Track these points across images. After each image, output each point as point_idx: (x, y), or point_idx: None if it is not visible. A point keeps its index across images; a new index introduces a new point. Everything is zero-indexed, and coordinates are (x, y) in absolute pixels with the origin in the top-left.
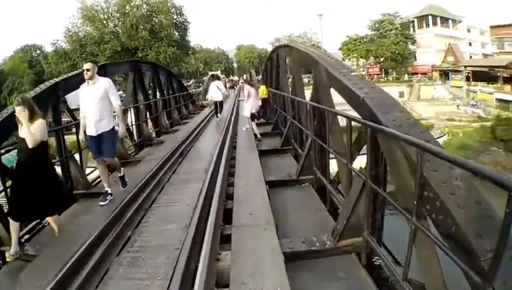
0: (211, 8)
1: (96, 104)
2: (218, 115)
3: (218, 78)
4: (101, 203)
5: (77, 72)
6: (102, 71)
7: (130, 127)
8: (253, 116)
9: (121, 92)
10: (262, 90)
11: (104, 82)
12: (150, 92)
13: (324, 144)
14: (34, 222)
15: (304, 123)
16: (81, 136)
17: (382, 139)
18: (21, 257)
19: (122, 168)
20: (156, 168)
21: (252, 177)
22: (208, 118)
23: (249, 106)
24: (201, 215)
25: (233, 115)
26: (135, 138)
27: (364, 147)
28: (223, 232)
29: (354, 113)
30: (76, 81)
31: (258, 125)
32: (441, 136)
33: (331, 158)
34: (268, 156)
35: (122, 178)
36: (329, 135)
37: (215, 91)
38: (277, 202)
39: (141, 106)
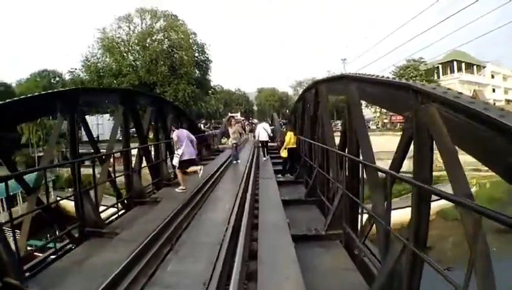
0: (233, 50)
1: None
2: (265, 157)
3: (266, 121)
4: None
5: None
6: (70, 98)
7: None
8: (182, 165)
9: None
10: (290, 138)
11: None
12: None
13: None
14: None
15: (378, 205)
16: None
17: None
18: None
19: None
20: (128, 261)
21: None
22: (224, 166)
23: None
24: None
25: (253, 168)
26: (123, 193)
27: None
28: None
29: None
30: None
31: (282, 184)
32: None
33: None
34: (306, 245)
35: None
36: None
37: (262, 132)
38: None
39: (133, 151)
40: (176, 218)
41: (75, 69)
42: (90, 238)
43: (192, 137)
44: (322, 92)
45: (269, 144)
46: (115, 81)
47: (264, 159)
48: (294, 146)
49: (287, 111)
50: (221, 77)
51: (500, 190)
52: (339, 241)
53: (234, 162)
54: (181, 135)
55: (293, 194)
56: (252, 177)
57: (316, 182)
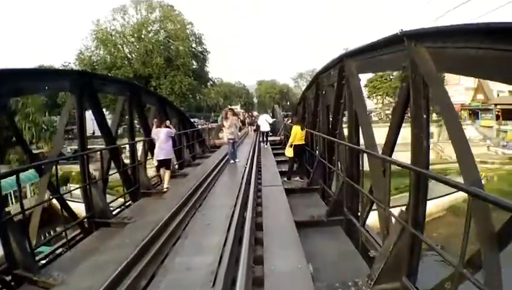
0: (232, 42)
1: None
2: (266, 145)
3: (267, 113)
4: None
5: None
6: None
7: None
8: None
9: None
10: (296, 133)
11: None
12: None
13: None
14: None
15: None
16: None
17: None
18: None
19: None
20: None
21: None
22: (218, 168)
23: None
24: None
25: (254, 170)
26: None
27: None
28: None
29: None
30: None
31: (292, 192)
32: None
33: None
34: None
35: None
36: None
37: (264, 123)
38: None
39: (93, 154)
40: (134, 265)
41: (69, 62)
42: (23, 284)
43: (165, 137)
44: (352, 69)
45: (272, 138)
46: (109, 74)
47: (265, 146)
48: (303, 142)
49: (288, 103)
50: (220, 70)
51: (507, 183)
52: None
53: (231, 161)
54: (155, 134)
55: (309, 209)
56: (253, 183)
57: (341, 196)
